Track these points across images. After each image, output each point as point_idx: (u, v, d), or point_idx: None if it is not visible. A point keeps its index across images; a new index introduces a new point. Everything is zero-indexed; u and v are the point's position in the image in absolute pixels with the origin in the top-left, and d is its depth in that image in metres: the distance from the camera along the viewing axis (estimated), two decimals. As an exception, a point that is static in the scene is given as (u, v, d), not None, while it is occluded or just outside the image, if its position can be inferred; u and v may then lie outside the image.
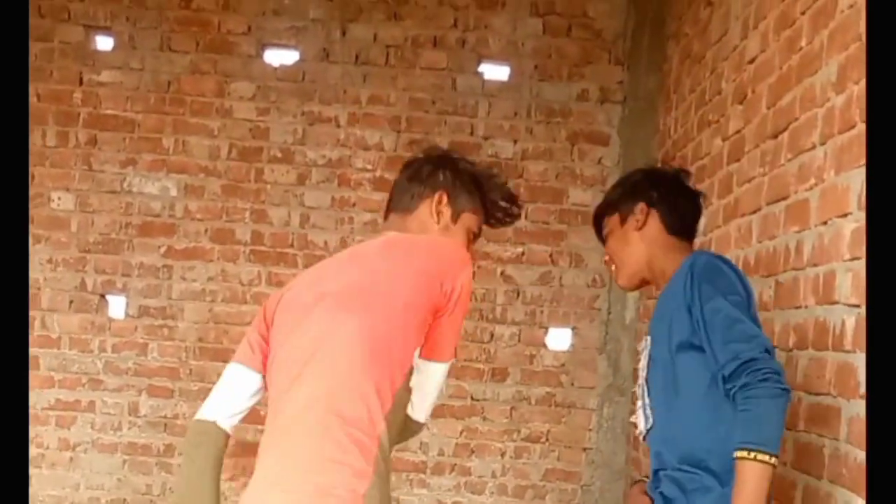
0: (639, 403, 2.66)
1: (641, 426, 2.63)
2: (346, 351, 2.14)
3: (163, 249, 5.59)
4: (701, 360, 2.40)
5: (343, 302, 2.20)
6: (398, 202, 2.46)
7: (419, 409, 2.31)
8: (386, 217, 2.49)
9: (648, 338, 2.66)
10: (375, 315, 2.16)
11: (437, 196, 2.41)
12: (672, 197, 2.74)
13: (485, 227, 2.54)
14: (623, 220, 2.72)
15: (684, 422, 2.45)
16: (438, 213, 2.41)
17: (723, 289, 2.40)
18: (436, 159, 2.48)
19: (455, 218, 2.42)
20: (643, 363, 2.66)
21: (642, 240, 2.69)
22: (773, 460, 2.19)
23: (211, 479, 2.19)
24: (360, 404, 2.12)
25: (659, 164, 3.01)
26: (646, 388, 2.62)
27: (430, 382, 2.28)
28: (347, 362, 2.14)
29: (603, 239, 2.81)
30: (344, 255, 2.44)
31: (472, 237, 2.46)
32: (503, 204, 2.50)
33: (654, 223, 2.70)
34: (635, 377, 5.33)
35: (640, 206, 2.70)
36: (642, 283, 2.77)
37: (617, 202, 2.75)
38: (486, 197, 2.48)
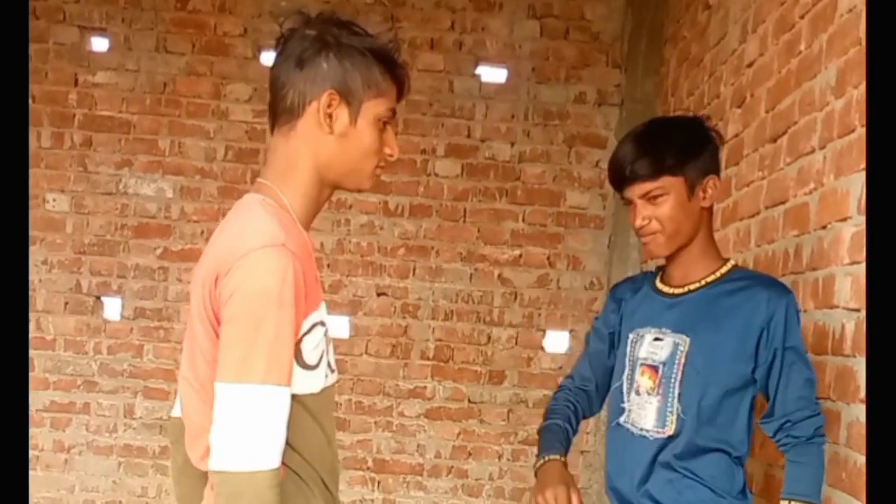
0: (647, 401, 2.44)
1: (651, 426, 2.42)
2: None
3: (159, 251, 5.58)
4: (746, 395, 2.40)
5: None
6: (280, 109, 1.90)
7: (211, 448, 1.74)
8: (272, 132, 1.94)
9: (681, 335, 2.41)
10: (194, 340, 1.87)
11: (323, 98, 1.86)
12: (720, 168, 2.53)
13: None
14: (691, 190, 2.39)
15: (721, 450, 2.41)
16: (330, 120, 1.87)
17: (801, 339, 2.39)
18: (315, 37, 1.89)
19: (354, 117, 1.88)
20: (663, 357, 2.43)
21: (701, 216, 2.43)
22: None
23: (187, 476, 1.99)
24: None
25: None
26: (675, 392, 2.40)
27: (214, 409, 1.74)
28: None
29: (644, 195, 2.40)
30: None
31: (384, 125, 1.92)
32: (404, 76, 1.96)
33: (712, 199, 2.45)
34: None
35: (713, 181, 2.42)
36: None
37: (684, 164, 2.38)
38: (395, 72, 1.92)
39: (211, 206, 5.57)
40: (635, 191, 2.40)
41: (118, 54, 5.59)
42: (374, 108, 1.90)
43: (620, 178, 2.42)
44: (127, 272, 5.57)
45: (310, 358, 1.82)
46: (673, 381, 2.41)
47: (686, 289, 2.47)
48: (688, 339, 2.41)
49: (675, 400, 2.40)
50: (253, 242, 1.75)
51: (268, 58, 5.59)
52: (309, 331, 1.80)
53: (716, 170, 2.45)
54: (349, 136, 1.88)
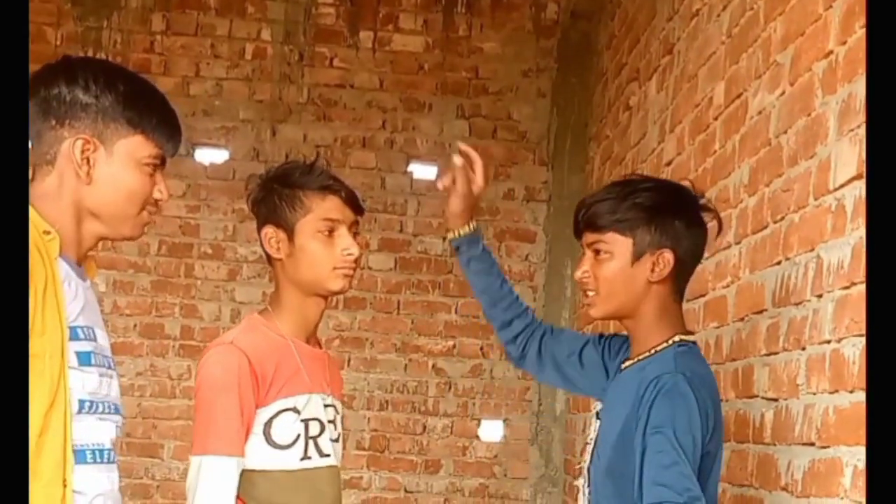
0: (583, 483, 2.24)
1: None
2: None
3: (90, 346, 5.55)
4: None
5: None
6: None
7: None
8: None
9: (601, 416, 2.22)
10: None
11: (265, 231, 2.34)
12: (697, 255, 2.19)
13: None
14: (636, 257, 2.11)
15: None
16: (278, 245, 2.33)
17: (677, 422, 2.00)
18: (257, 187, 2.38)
19: (291, 238, 2.32)
20: (592, 437, 2.24)
21: (647, 288, 2.12)
22: None
23: None
24: None
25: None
26: (587, 477, 2.21)
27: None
28: None
29: (590, 245, 2.16)
30: None
31: (329, 231, 2.33)
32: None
33: (669, 279, 2.13)
34: (567, 468, 5.41)
35: (667, 257, 2.11)
36: (614, 318, 2.25)
37: (636, 227, 2.11)
38: (304, 189, 2.35)
39: (144, 300, 5.58)
40: (585, 238, 2.19)
41: (52, 151, 5.62)
42: (306, 226, 2.37)
43: (576, 220, 2.22)
44: (58, 368, 5.53)
45: (280, 438, 2.20)
46: (589, 466, 2.22)
47: (625, 365, 2.21)
48: (598, 422, 2.22)
49: (586, 484, 2.22)
50: (212, 346, 2.29)
51: (201, 154, 5.68)
52: (276, 415, 2.19)
53: (676, 245, 2.11)
54: (294, 256, 2.35)
